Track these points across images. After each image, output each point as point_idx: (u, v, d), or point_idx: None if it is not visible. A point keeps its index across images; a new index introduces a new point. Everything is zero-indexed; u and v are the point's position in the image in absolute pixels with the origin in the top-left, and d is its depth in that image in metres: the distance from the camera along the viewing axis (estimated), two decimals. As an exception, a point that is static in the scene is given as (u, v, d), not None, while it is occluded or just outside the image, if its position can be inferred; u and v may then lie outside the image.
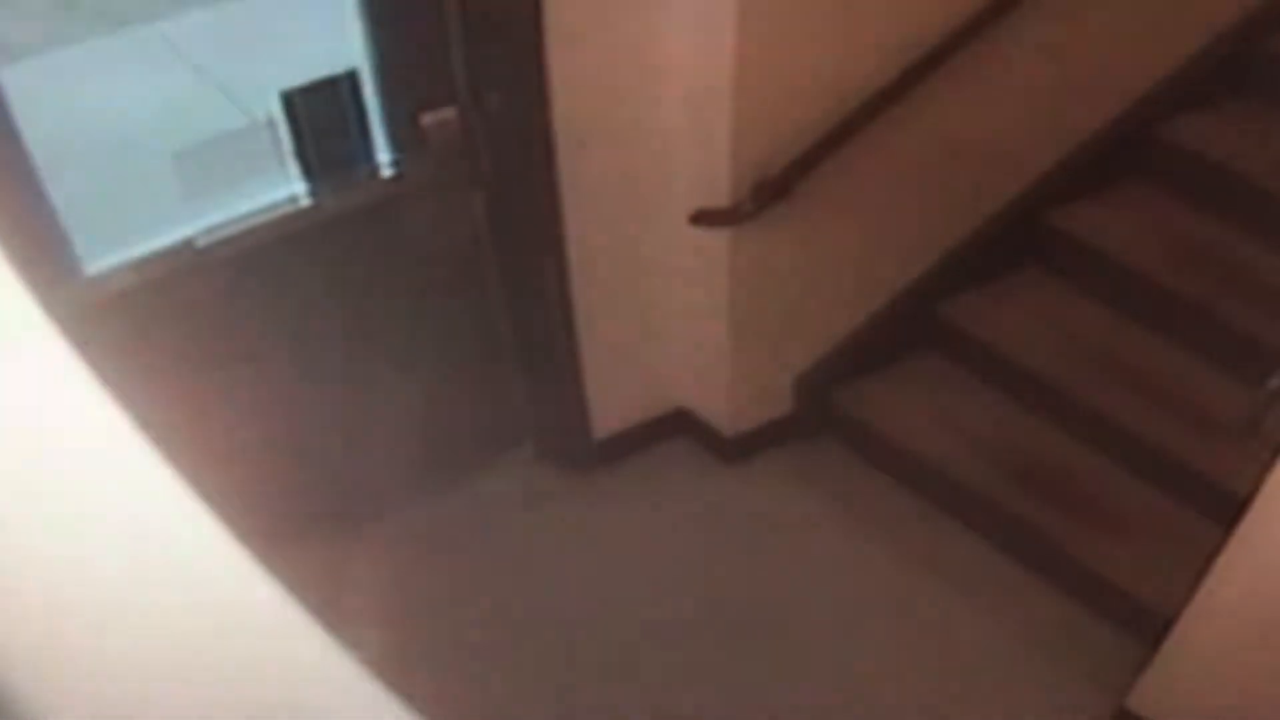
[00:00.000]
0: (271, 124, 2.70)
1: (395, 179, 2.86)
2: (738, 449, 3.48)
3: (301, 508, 2.95)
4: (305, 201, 2.80)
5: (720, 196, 2.92)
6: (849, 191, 3.08)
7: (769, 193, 2.91)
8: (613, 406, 3.43)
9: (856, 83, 2.88)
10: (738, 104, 2.75)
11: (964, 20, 2.92)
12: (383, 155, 2.85)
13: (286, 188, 2.79)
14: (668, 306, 3.26)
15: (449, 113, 2.77)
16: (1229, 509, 2.41)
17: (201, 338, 2.74)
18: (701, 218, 2.98)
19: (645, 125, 2.88)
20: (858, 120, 2.91)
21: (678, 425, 3.55)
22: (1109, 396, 3.23)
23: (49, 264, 2.46)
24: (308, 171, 2.77)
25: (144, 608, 0.66)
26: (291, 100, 2.66)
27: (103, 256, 2.62)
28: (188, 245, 2.68)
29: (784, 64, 2.77)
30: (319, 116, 2.71)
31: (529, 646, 3.07)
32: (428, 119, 2.75)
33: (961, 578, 3.21)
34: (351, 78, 2.71)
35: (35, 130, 2.36)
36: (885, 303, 3.44)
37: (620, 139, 2.89)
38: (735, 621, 3.16)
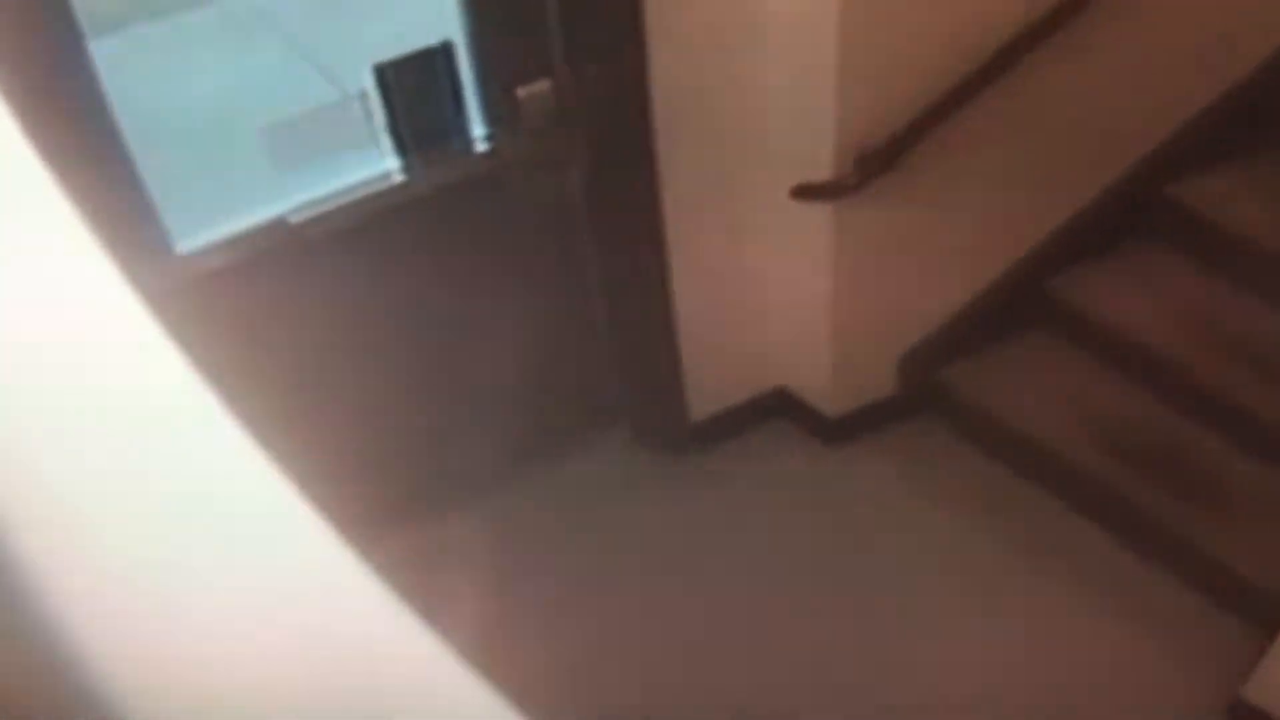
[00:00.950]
0: (364, 98, 2.70)
1: (489, 154, 2.86)
2: (840, 430, 3.46)
3: (392, 492, 2.97)
4: (398, 177, 2.81)
5: (823, 169, 2.90)
6: (958, 163, 3.03)
7: (874, 165, 2.88)
8: (710, 387, 3.41)
9: (966, 50, 2.83)
10: (842, 73, 2.72)
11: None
12: (477, 129, 2.84)
13: (379, 163, 2.79)
14: (769, 283, 3.24)
15: (544, 85, 2.76)
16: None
17: (293, 317, 2.76)
18: (804, 191, 2.95)
19: (747, 96, 2.86)
20: (967, 89, 2.87)
21: (777, 406, 3.53)
22: (1229, 375, 3.18)
23: (139, 242, 2.48)
24: (401, 146, 2.77)
25: (235, 597, 0.66)
26: (385, 73, 2.65)
27: (194, 234, 2.63)
28: (280, 222, 2.70)
29: (891, 31, 2.74)
30: (412, 90, 2.70)
31: (621, 635, 3.08)
32: (523, 91, 2.74)
33: (1072, 565, 3.18)
34: (446, 50, 2.70)
35: (125, 105, 2.36)
36: (995, 279, 3.40)
37: (721, 110, 2.87)
38: (835, 610, 3.15)
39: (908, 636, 3.07)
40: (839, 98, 2.77)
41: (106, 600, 0.64)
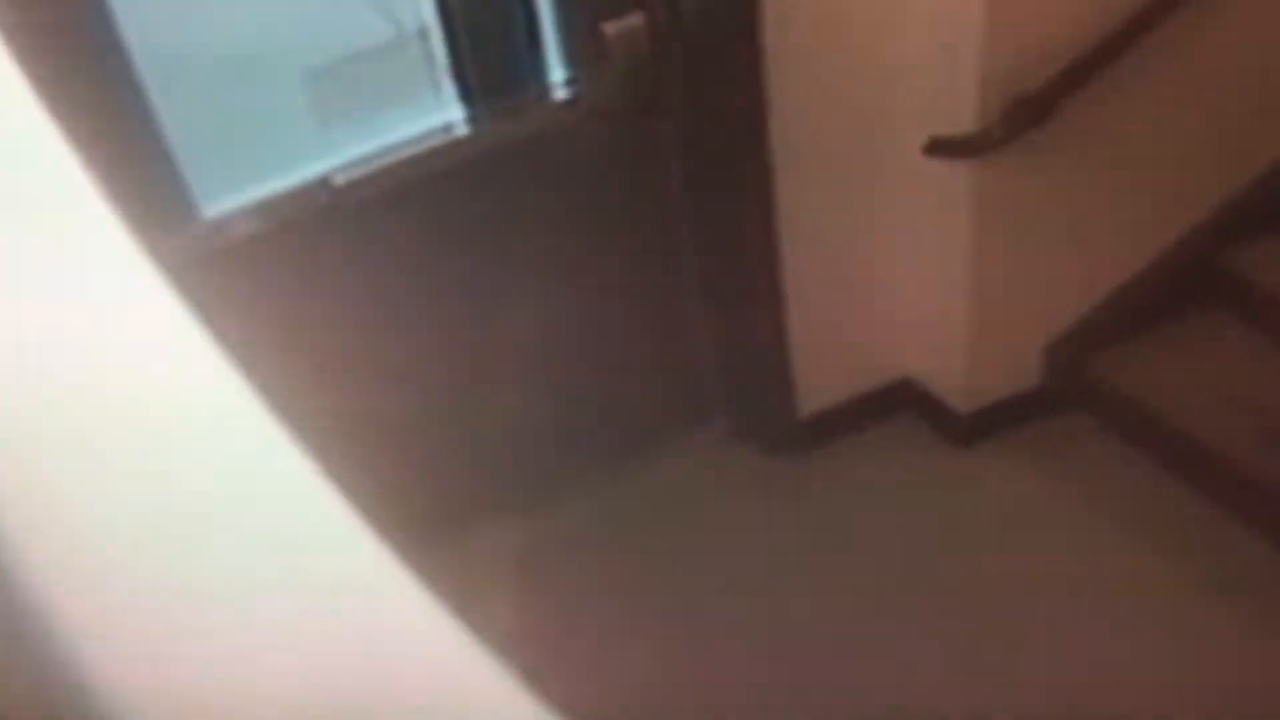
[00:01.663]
0: (424, 36, 2.65)
1: (570, 102, 2.78)
2: (974, 428, 3.29)
3: (448, 495, 2.90)
4: (462, 130, 2.75)
5: (964, 120, 2.73)
6: (1123, 114, 2.85)
7: (1026, 115, 2.71)
8: (822, 376, 3.27)
9: None
10: (992, 4, 2.55)
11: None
12: (556, 73, 2.77)
13: (440, 113, 2.72)
14: (894, 255, 3.09)
15: (637, 20, 2.65)
16: None
17: (337, 292, 2.70)
18: (940, 146, 2.79)
19: (874, 31, 2.72)
20: (1137, 27, 2.69)
21: (901, 399, 3.39)
22: None
23: (159, 205, 2.44)
24: (466, 94, 2.71)
25: (263, 608, 0.67)
26: (449, 7, 2.60)
27: (223, 197, 2.58)
28: (323, 183, 2.62)
29: None
30: (481, 26, 2.64)
31: (715, 661, 2.93)
32: (611, 28, 2.64)
33: (1250, 591, 2.96)
34: None
35: (144, 44, 2.29)
36: (1161, 252, 3.19)
37: (842, 49, 2.73)
38: (966, 634, 2.97)
39: (1052, 659, 2.92)
40: (986, 35, 2.61)
41: (120, 622, 0.65)
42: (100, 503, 0.67)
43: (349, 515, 0.69)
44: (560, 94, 2.78)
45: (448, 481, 2.93)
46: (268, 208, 2.60)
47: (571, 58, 2.74)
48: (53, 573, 0.65)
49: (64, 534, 0.66)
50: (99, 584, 0.66)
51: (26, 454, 0.66)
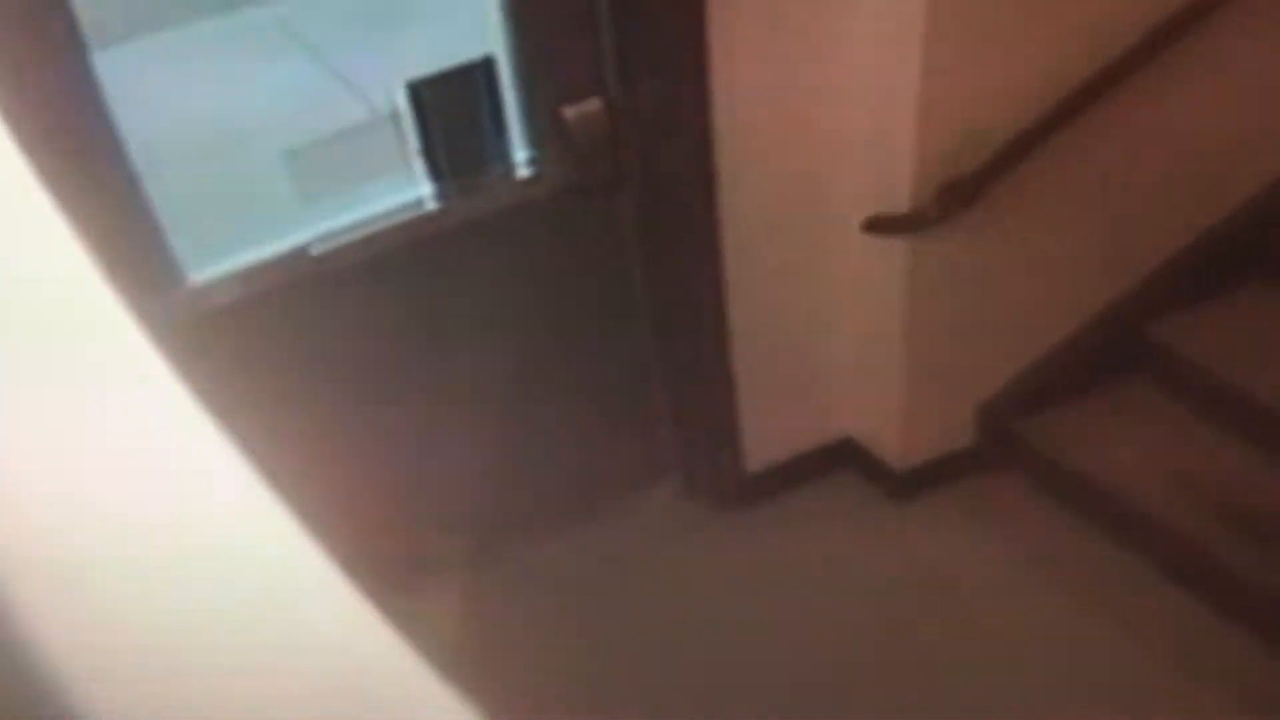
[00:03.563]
0: (396, 118, 2.66)
1: (533, 180, 2.80)
2: (909, 485, 3.37)
3: (416, 548, 2.96)
4: (432, 205, 2.75)
5: (900, 200, 2.81)
6: (1048, 196, 2.94)
7: (957, 197, 2.79)
8: (769, 436, 3.34)
9: (1061, 72, 2.74)
10: (925, 95, 2.64)
11: (1185, 2, 2.77)
12: (520, 153, 2.78)
13: (412, 189, 2.73)
14: (835, 324, 3.17)
15: (595, 104, 2.70)
16: None
17: (314, 355, 2.73)
18: (877, 224, 2.87)
19: (817, 118, 2.79)
20: (1062, 115, 2.78)
21: (842, 457, 3.45)
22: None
23: (146, 272, 2.45)
24: (436, 171, 2.72)
25: (241, 652, 0.66)
26: (419, 91, 2.61)
27: (207, 265, 2.59)
28: (302, 253, 2.65)
29: (980, 53, 2.66)
30: (450, 110, 2.65)
31: (667, 709, 2.97)
32: (571, 111, 2.69)
33: (1171, 643, 3.04)
34: (487, 65, 2.64)
35: (132, 122, 2.33)
36: (1086, 322, 3.29)
37: (788, 133, 2.79)
38: (900, 684, 3.05)
39: (979, 707, 2.96)
40: (920, 122, 2.69)
41: (100, 655, 0.64)
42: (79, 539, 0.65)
43: (323, 565, 0.68)
44: (523, 172, 2.78)
45: (413, 534, 2.95)
46: (249, 275, 2.60)
47: (534, 139, 2.75)
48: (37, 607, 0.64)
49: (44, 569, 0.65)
50: (79, 618, 0.64)
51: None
